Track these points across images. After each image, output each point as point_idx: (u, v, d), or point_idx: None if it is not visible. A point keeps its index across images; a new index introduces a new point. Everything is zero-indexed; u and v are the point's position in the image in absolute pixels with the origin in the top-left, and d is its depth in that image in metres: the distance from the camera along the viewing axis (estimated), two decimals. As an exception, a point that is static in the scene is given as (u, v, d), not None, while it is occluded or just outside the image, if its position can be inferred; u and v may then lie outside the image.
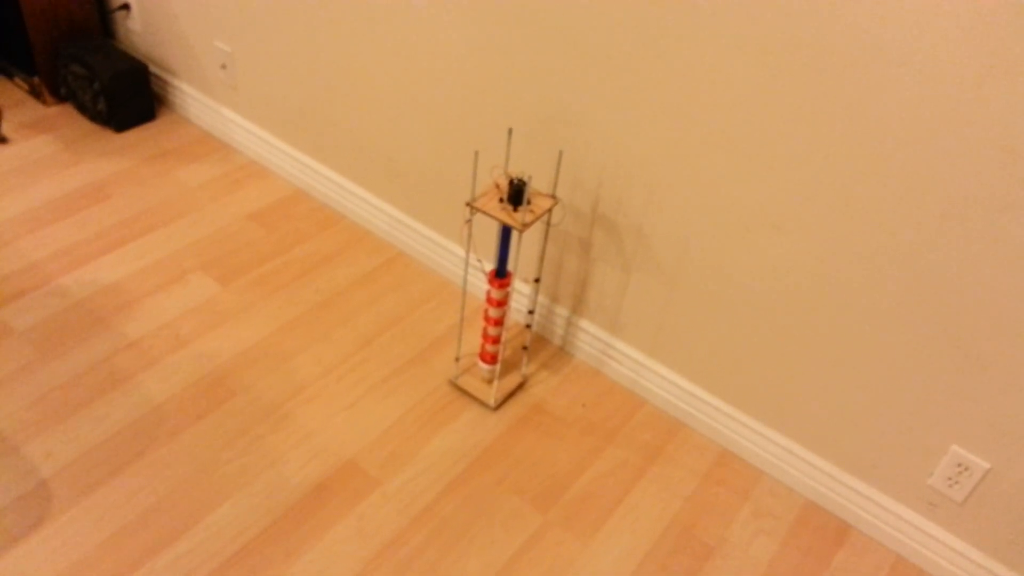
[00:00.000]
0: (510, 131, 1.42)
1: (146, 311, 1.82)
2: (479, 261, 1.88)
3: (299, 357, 1.77)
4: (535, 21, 1.48)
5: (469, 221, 1.39)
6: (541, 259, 1.58)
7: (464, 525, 1.50)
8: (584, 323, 1.78)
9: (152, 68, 2.42)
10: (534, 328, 1.87)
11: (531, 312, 1.73)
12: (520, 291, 1.86)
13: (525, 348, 1.80)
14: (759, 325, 1.52)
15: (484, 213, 1.43)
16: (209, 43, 2.19)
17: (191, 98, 2.36)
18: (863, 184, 1.26)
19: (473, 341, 1.84)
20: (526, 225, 1.42)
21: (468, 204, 1.44)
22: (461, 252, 1.92)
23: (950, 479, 1.42)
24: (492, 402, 1.70)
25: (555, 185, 1.47)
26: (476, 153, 1.36)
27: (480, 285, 1.94)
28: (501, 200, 1.46)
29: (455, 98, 1.71)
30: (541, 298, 1.82)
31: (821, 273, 1.38)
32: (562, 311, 1.80)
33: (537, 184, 1.66)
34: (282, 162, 2.22)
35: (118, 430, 1.57)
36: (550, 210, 1.47)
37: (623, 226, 1.59)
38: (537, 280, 1.60)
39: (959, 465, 1.40)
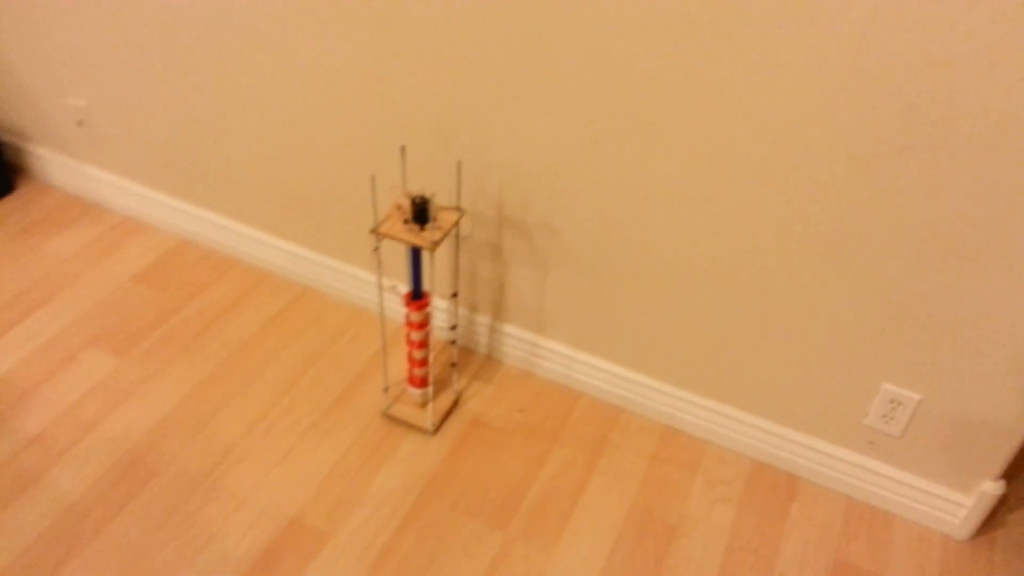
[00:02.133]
0: (403, 148, 1.37)
1: (42, 401, 1.68)
2: (393, 286, 1.82)
3: (218, 418, 1.67)
4: (414, 35, 1.43)
5: (377, 249, 1.33)
6: (455, 273, 1.54)
7: (426, 560, 1.45)
8: (508, 327, 1.75)
9: (3, 137, 2.24)
10: (458, 342, 1.83)
11: (454, 327, 1.69)
12: (437, 307, 1.81)
13: (453, 364, 1.76)
14: (681, 299, 1.52)
15: (391, 238, 1.38)
16: (60, 101, 2.04)
17: (50, 162, 2.20)
18: (763, 146, 1.27)
19: (399, 367, 1.78)
20: (436, 243, 1.37)
21: (373, 231, 1.38)
22: (369, 278, 1.86)
23: (885, 416, 1.46)
24: (429, 426, 1.65)
25: (458, 196, 1.43)
26: (373, 178, 1.30)
27: (397, 309, 1.88)
28: (406, 221, 1.41)
29: (340, 123, 1.64)
30: (460, 309, 1.77)
31: (732, 239, 1.39)
32: (483, 319, 1.77)
33: (439, 198, 1.61)
34: (160, 214, 2.09)
35: (36, 537, 1.45)
36: (457, 223, 1.43)
37: (532, 225, 1.56)
38: (455, 295, 1.55)
39: (892, 401, 1.44)
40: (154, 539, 1.45)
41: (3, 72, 2.07)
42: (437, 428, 1.67)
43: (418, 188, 1.59)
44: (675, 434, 1.69)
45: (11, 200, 2.20)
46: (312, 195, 1.79)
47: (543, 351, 1.74)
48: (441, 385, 1.74)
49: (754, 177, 1.30)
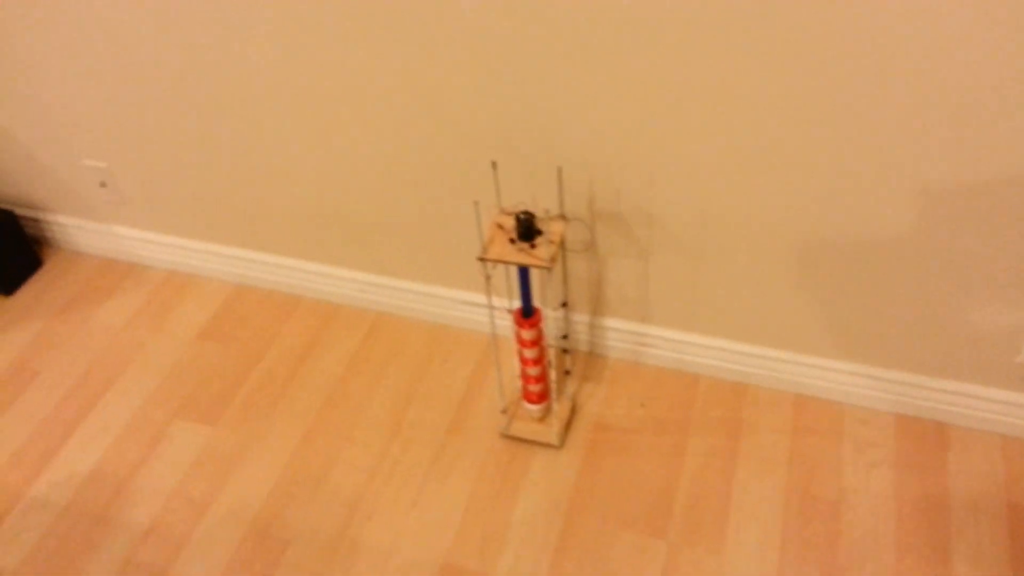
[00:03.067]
0: (494, 164, 1.26)
1: (144, 488, 1.59)
2: (505, 308, 1.72)
3: (334, 473, 1.58)
4: (465, 44, 1.31)
5: (488, 276, 1.23)
6: (563, 282, 1.44)
7: (594, 584, 1.38)
8: (610, 321, 1.66)
9: (19, 211, 2.11)
10: (557, 346, 1.73)
11: (565, 337, 1.59)
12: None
13: (567, 372, 1.67)
14: (794, 263, 1.43)
15: (503, 262, 1.27)
16: (77, 164, 1.90)
17: (75, 228, 2.07)
18: (848, 89, 1.17)
19: (505, 383, 1.69)
20: (553, 260, 1.27)
21: (481, 259, 1.28)
22: (448, 294, 1.75)
23: (1040, 350, 1.39)
24: (556, 440, 1.57)
25: (560, 203, 1.33)
26: (476, 204, 1.20)
27: (484, 322, 1.78)
28: (512, 241, 1.30)
29: (402, 143, 1.52)
30: (553, 311, 1.68)
31: (835, 192, 1.29)
32: (581, 317, 1.67)
33: (523, 207, 1.50)
34: (207, 263, 1.98)
35: (183, 638, 1.37)
36: (563, 233, 1.33)
37: (628, 215, 1.46)
38: (564, 304, 1.46)
39: (1047, 334, 1.36)
40: (309, 617, 1.38)
41: (12, 145, 1.92)
42: (563, 440, 1.59)
43: (507, 203, 1.48)
44: (808, 402, 1.61)
45: (43, 275, 2.07)
46: (381, 220, 1.68)
47: (650, 339, 1.66)
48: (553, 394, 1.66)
49: (844, 130, 1.20)
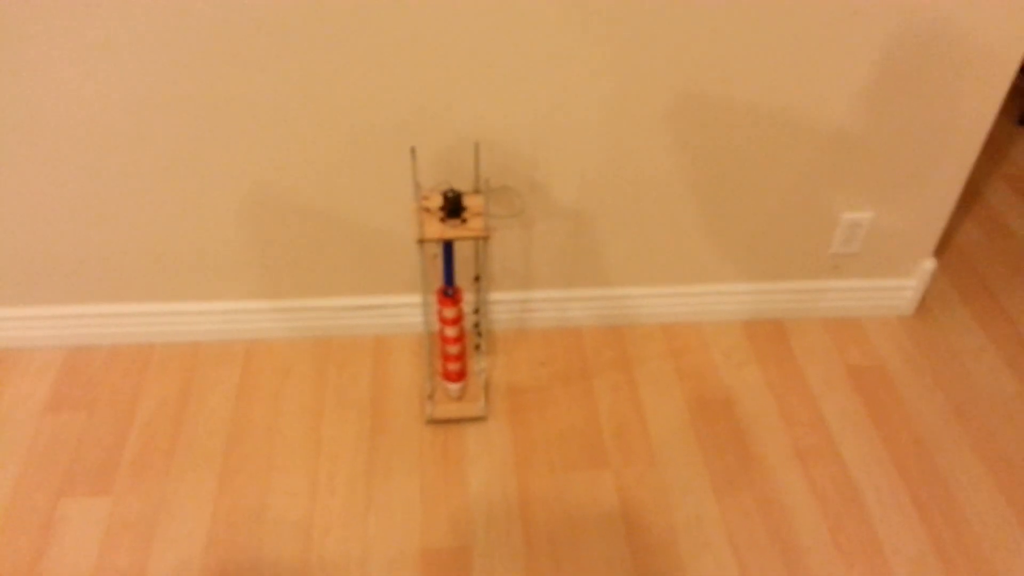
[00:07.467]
0: (413, 150, 1.32)
1: (56, 574, 1.39)
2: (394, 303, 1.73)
3: (271, 503, 1.51)
4: (356, 47, 1.35)
5: (437, 255, 1.29)
6: (476, 257, 1.53)
7: (568, 522, 1.49)
8: (495, 295, 1.77)
9: None
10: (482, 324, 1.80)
11: (477, 311, 1.67)
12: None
13: (477, 347, 1.74)
14: (656, 212, 1.65)
15: (444, 240, 1.33)
16: None
17: None
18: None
19: (415, 371, 1.72)
20: (487, 229, 1.36)
21: (420, 240, 1.33)
22: (326, 303, 1.74)
23: (846, 240, 1.75)
24: (483, 411, 1.65)
25: (476, 178, 1.41)
26: (416, 184, 1.25)
27: (395, 319, 1.79)
28: (443, 219, 1.37)
29: (272, 160, 1.50)
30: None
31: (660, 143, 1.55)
32: (467, 297, 1.76)
33: (399, 189, 1.56)
34: (29, 332, 1.75)
35: None
36: (486, 205, 1.42)
37: (515, 188, 1.59)
38: (477, 278, 1.54)
39: (852, 226, 1.72)
40: (311, 642, 1.32)
41: None
42: (487, 411, 1.67)
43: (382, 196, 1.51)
44: (672, 327, 1.85)
45: None
46: (244, 245, 1.63)
47: (534, 303, 1.79)
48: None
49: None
